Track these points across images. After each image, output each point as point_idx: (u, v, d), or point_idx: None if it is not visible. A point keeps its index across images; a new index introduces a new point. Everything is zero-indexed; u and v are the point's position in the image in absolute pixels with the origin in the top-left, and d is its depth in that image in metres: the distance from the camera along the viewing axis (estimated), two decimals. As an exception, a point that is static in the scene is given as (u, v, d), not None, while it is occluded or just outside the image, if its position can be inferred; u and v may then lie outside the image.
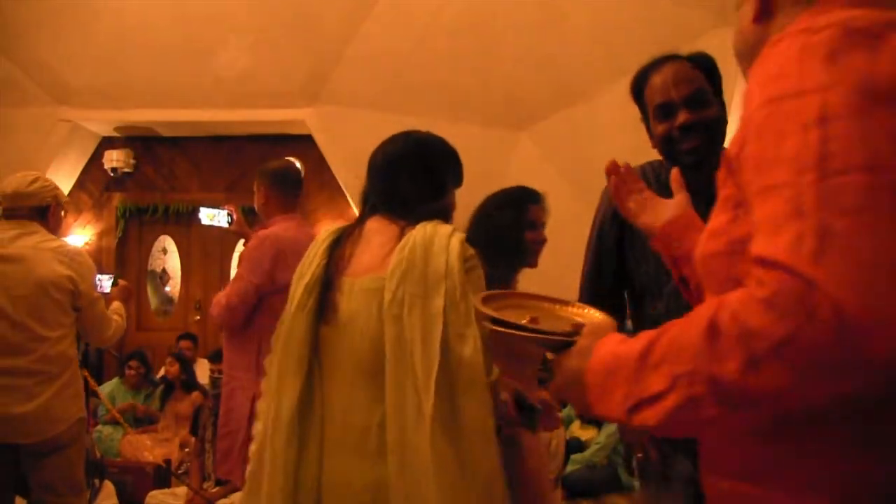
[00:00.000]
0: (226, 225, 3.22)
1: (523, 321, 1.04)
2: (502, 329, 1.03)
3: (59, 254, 2.71)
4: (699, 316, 0.74)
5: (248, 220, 3.39)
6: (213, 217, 3.23)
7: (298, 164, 7.13)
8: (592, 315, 1.15)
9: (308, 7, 5.70)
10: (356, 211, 7.26)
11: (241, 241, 3.17)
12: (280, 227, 2.89)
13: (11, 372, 2.56)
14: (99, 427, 4.94)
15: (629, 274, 1.86)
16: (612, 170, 1.38)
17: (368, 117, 6.44)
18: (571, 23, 5.18)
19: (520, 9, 5.45)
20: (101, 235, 7.25)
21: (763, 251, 0.71)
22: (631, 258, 1.84)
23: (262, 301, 2.81)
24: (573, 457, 3.85)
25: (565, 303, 1.21)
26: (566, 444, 3.89)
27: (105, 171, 7.26)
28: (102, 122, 6.89)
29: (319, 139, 6.66)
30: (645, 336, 0.79)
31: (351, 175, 6.71)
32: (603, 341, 0.85)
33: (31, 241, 2.69)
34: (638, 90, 1.78)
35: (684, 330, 0.75)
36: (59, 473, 2.67)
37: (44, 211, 2.76)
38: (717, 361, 0.70)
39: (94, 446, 3.74)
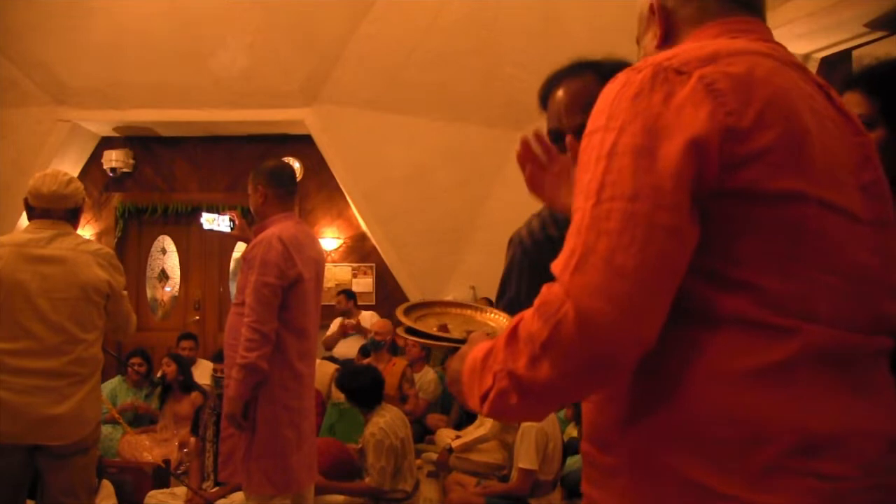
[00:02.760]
0: (227, 230, 3.22)
1: (434, 329, 1.22)
2: (411, 337, 1.23)
3: (98, 257, 2.72)
4: (511, 322, 0.87)
5: (249, 222, 3.38)
6: (214, 221, 3.23)
7: (294, 162, 7.15)
8: (501, 320, 1.30)
9: (307, 7, 5.70)
10: (355, 210, 7.25)
11: (239, 243, 3.16)
12: (279, 227, 2.89)
13: (47, 373, 2.56)
14: (98, 427, 4.93)
15: None
16: (524, 155, 1.30)
17: (367, 117, 6.45)
18: (570, 23, 5.18)
19: (519, 9, 5.45)
20: (100, 235, 7.25)
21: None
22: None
23: None
24: (571, 457, 3.86)
25: (484, 310, 1.37)
26: (564, 444, 3.91)
27: (104, 171, 7.26)
28: (101, 122, 6.89)
29: (318, 139, 6.66)
30: (493, 340, 0.92)
31: (350, 174, 6.72)
32: (476, 346, 0.95)
33: (68, 243, 2.68)
34: (544, 98, 1.65)
35: (502, 335, 0.88)
36: (79, 475, 2.67)
37: (76, 212, 2.77)
38: (513, 360, 0.84)
39: (93, 446, 3.74)
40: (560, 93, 1.49)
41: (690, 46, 0.90)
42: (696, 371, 0.82)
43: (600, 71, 1.45)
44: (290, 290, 2.81)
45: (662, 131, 0.82)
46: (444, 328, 1.24)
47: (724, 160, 0.81)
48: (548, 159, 1.30)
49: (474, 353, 0.93)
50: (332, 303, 6.62)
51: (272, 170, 3.05)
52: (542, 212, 1.59)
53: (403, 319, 1.26)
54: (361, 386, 3.93)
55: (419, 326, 1.24)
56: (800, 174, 0.83)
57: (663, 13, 1.02)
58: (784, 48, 0.96)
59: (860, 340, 0.86)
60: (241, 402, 2.74)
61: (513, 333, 0.86)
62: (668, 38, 1.02)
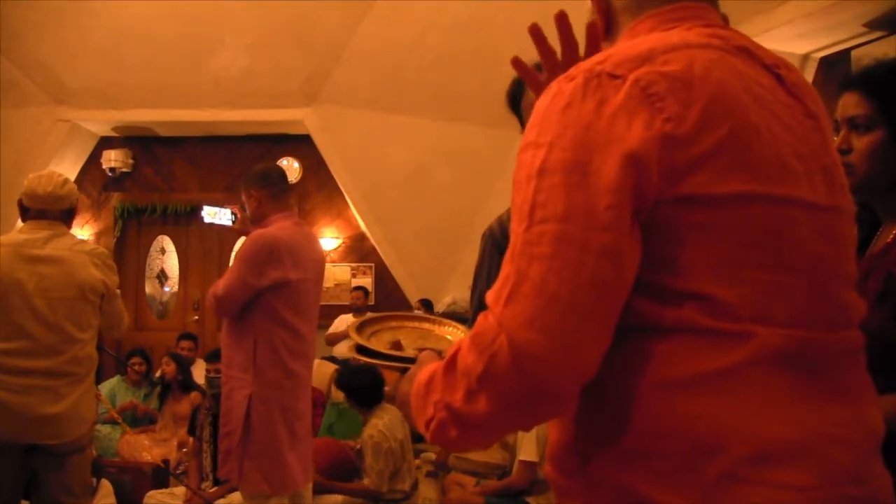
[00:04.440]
0: (229, 223, 3.22)
1: (386, 347, 1.15)
2: (361, 357, 1.14)
3: (94, 257, 2.75)
4: (451, 350, 0.84)
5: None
6: (215, 215, 3.23)
7: (293, 162, 7.15)
8: (458, 334, 1.25)
9: (306, 7, 5.70)
10: (354, 210, 7.25)
11: (241, 239, 3.16)
12: (276, 227, 2.89)
13: (44, 373, 2.57)
14: (97, 426, 4.93)
15: None
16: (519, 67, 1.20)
17: (367, 117, 6.45)
18: (570, 23, 5.18)
19: (519, 9, 5.45)
20: (99, 235, 7.25)
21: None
22: None
23: (258, 300, 2.80)
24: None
25: (442, 323, 1.29)
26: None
27: (103, 170, 7.26)
28: (101, 122, 6.89)
29: (318, 139, 6.66)
30: (436, 365, 0.87)
31: (349, 174, 6.73)
32: (424, 368, 0.91)
33: (64, 243, 2.70)
34: (514, 100, 1.64)
35: (442, 363, 0.84)
36: (76, 474, 2.69)
37: (71, 213, 2.80)
38: (450, 393, 0.81)
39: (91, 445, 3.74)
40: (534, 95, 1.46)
41: (624, 45, 0.84)
42: (643, 385, 0.78)
43: None
44: (277, 291, 2.81)
45: (595, 144, 0.76)
46: (397, 345, 1.16)
47: (664, 170, 0.76)
48: None
49: (420, 376, 0.89)
50: (346, 302, 6.73)
51: (260, 172, 3.05)
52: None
53: (355, 337, 1.17)
54: (362, 385, 3.93)
55: (371, 344, 1.15)
56: (748, 173, 0.78)
57: (602, 5, 0.96)
58: (727, 29, 0.90)
59: (823, 338, 0.81)
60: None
61: (451, 363, 0.82)
62: (609, 32, 0.96)
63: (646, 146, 0.75)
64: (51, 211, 2.71)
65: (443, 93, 6.19)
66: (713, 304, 0.77)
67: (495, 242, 1.75)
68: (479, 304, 1.37)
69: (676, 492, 0.75)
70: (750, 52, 0.87)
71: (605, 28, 0.97)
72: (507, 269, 0.78)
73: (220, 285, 2.84)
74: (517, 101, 1.61)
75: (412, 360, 1.04)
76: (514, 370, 0.74)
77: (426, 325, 1.29)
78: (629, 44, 0.84)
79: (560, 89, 0.81)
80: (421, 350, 1.06)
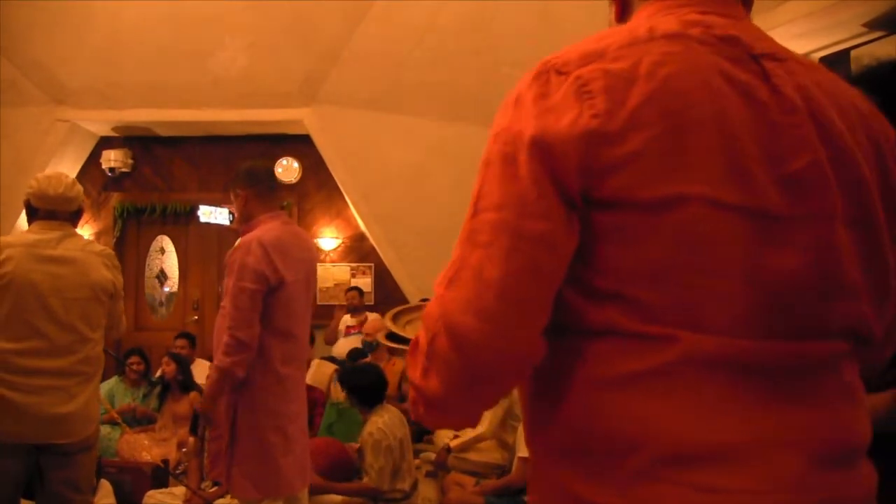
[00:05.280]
0: (227, 223, 3.19)
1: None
2: (391, 343, 1.20)
3: (103, 257, 2.79)
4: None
5: None
6: (210, 214, 3.21)
7: (293, 162, 7.15)
8: None
9: (306, 7, 5.70)
10: (354, 210, 7.24)
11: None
12: (262, 230, 2.82)
13: (56, 373, 2.60)
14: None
15: None
16: None
17: (366, 117, 6.45)
18: (568, 23, 5.18)
19: (518, 9, 5.45)
20: (98, 235, 7.24)
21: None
22: None
23: None
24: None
25: None
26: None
27: (103, 170, 7.26)
28: (100, 122, 6.89)
29: (317, 139, 6.66)
30: None
31: (349, 174, 6.72)
32: None
33: (75, 244, 2.73)
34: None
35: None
36: (83, 472, 2.72)
37: (79, 214, 2.82)
38: (413, 369, 0.85)
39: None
40: None
41: (589, 39, 0.84)
42: (574, 383, 0.80)
43: None
44: (272, 294, 2.75)
45: (530, 140, 0.78)
46: None
47: (585, 166, 0.76)
48: None
49: None
50: (342, 302, 6.74)
51: (246, 171, 2.98)
52: None
53: (390, 325, 1.23)
54: (365, 384, 3.92)
55: (407, 332, 1.19)
56: (681, 176, 0.76)
57: None
58: (725, 16, 0.87)
59: (774, 347, 0.78)
60: (212, 402, 2.76)
61: (415, 342, 0.85)
62: (624, 13, 0.97)
63: (565, 140, 0.76)
64: (60, 212, 2.73)
65: (443, 93, 6.19)
66: (637, 307, 0.77)
67: None
68: None
69: (599, 487, 0.77)
70: (737, 42, 0.84)
71: (619, 13, 0.98)
72: (453, 254, 0.82)
73: (228, 325, 2.70)
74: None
75: None
76: (453, 351, 0.78)
77: None
78: (595, 37, 0.84)
79: (523, 81, 0.83)
80: None
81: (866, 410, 0.85)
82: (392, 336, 1.21)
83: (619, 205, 0.77)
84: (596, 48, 0.81)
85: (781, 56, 0.85)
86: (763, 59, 0.83)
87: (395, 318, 1.26)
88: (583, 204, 0.78)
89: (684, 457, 0.75)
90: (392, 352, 5.62)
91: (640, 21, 0.87)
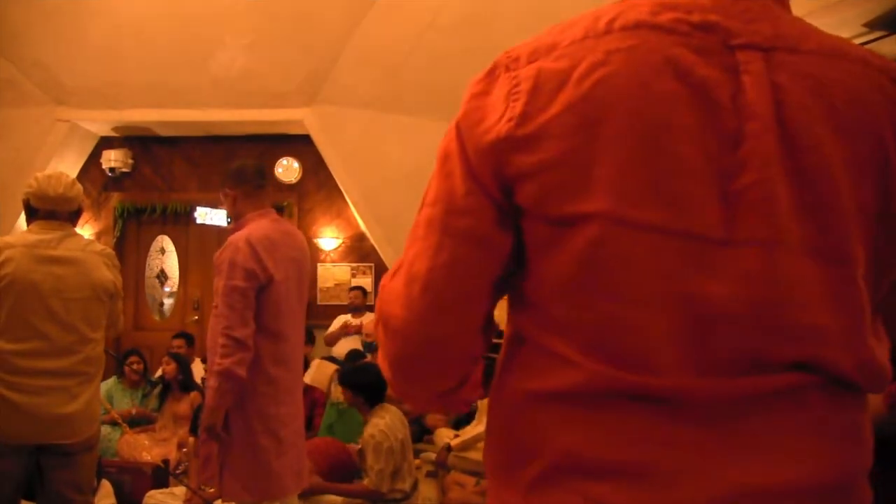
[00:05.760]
0: (224, 223, 3.18)
1: None
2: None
3: (104, 257, 2.79)
4: None
5: None
6: (206, 216, 3.20)
7: (293, 162, 7.14)
8: None
9: (306, 6, 5.70)
10: (354, 210, 7.22)
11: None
12: (250, 228, 2.78)
13: (58, 373, 2.60)
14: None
15: None
16: None
17: (366, 117, 6.45)
18: (570, 23, 5.18)
19: (518, 9, 5.45)
20: (98, 235, 7.24)
21: None
22: None
23: None
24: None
25: None
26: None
27: (103, 170, 7.25)
28: (100, 122, 6.89)
29: (317, 139, 6.66)
30: None
31: (349, 174, 6.72)
32: None
33: (76, 244, 2.73)
34: None
35: None
36: (85, 472, 2.72)
37: (78, 213, 2.83)
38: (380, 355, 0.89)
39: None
40: None
41: (549, 32, 0.80)
42: (506, 393, 0.82)
43: None
44: (261, 292, 2.70)
45: (469, 133, 0.78)
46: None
47: (499, 172, 0.74)
48: None
49: None
50: (346, 302, 6.74)
51: (234, 170, 2.95)
52: None
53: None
54: (369, 381, 3.91)
55: None
56: (588, 193, 0.70)
57: None
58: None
59: (700, 384, 0.70)
60: (219, 413, 2.65)
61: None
62: None
63: (479, 144, 0.76)
64: (60, 212, 2.73)
65: (443, 93, 6.17)
66: (549, 321, 0.76)
67: None
68: None
69: (509, 490, 0.80)
70: (715, 29, 0.74)
71: None
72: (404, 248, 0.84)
73: (222, 326, 2.64)
74: None
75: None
76: (387, 339, 0.83)
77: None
78: (563, 25, 0.80)
79: (480, 71, 0.82)
80: None
81: (856, 442, 0.76)
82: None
83: (531, 215, 0.75)
84: (549, 42, 0.77)
85: (769, 45, 0.74)
86: (740, 49, 0.73)
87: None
88: (509, 206, 0.76)
89: (580, 469, 0.73)
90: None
91: (617, 4, 0.79)
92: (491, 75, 0.79)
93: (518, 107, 0.73)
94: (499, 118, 0.75)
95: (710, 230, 0.69)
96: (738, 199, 0.70)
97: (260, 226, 2.80)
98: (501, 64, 0.79)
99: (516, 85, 0.75)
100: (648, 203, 0.69)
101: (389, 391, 1.00)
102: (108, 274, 2.76)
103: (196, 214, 3.49)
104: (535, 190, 0.73)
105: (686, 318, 0.70)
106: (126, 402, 5.35)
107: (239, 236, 2.76)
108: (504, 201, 0.76)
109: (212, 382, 2.66)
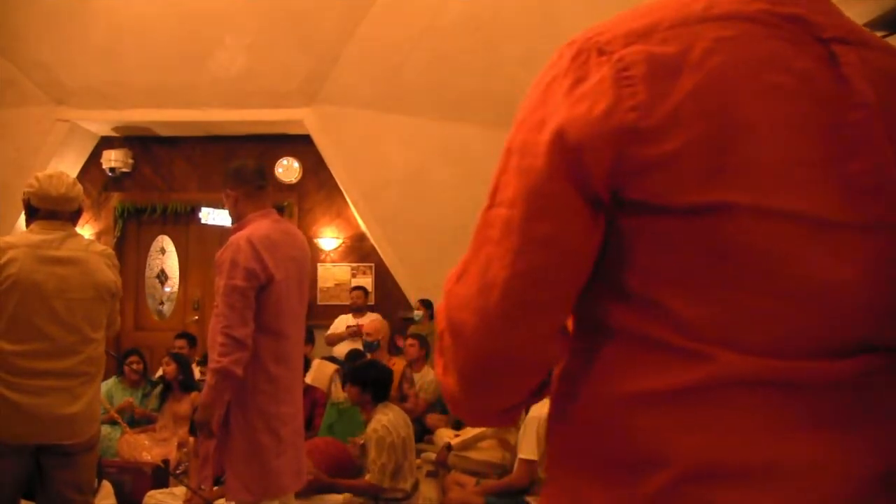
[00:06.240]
0: (228, 223, 3.18)
1: None
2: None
3: (105, 257, 2.80)
4: None
5: None
6: (208, 216, 3.20)
7: (293, 162, 7.14)
8: None
9: (306, 7, 5.70)
10: (354, 210, 7.23)
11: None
12: (251, 229, 2.79)
13: (60, 374, 2.60)
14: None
15: None
16: None
17: (367, 117, 6.45)
18: (570, 22, 5.18)
19: (518, 8, 5.45)
20: (99, 235, 7.24)
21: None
22: None
23: None
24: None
25: None
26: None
27: (103, 170, 7.26)
28: (100, 122, 6.89)
29: (317, 139, 6.66)
30: None
31: (349, 174, 6.72)
32: None
33: (78, 244, 2.73)
34: None
35: None
36: (86, 472, 2.73)
37: (79, 213, 2.83)
38: (437, 367, 0.85)
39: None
40: None
41: (636, 12, 0.74)
42: (600, 390, 0.76)
43: None
44: (261, 292, 2.71)
45: (552, 130, 0.71)
46: None
47: (618, 165, 0.69)
48: None
49: None
50: (346, 302, 6.74)
51: (234, 170, 2.95)
52: None
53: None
54: (375, 376, 3.92)
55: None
56: (723, 182, 0.68)
57: None
58: None
59: (821, 368, 0.71)
60: (212, 410, 2.65)
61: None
62: None
63: (595, 135, 0.69)
64: (61, 212, 2.73)
65: (442, 93, 6.19)
66: (671, 317, 0.71)
67: None
68: None
69: (616, 501, 0.73)
70: (803, 22, 0.74)
71: None
72: (469, 247, 0.79)
73: (221, 325, 2.65)
74: None
75: None
76: (454, 347, 0.78)
77: None
78: (643, 8, 0.75)
79: (553, 60, 0.75)
80: None
81: None
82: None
83: (651, 208, 0.70)
84: (644, 24, 0.72)
85: (854, 39, 0.75)
86: (833, 42, 0.74)
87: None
88: (611, 203, 0.71)
89: (710, 475, 0.70)
90: (392, 352, 5.62)
91: None
92: (579, 59, 0.72)
93: (640, 94, 0.68)
94: (612, 107, 0.69)
95: (839, 215, 0.70)
96: (856, 184, 0.71)
97: (261, 226, 2.81)
98: (591, 47, 0.72)
99: (624, 69, 0.69)
100: (781, 191, 0.69)
101: (451, 410, 0.90)
102: (109, 274, 2.77)
103: (200, 214, 3.49)
104: (659, 181, 0.69)
105: (812, 300, 0.70)
106: (126, 399, 5.34)
107: (240, 236, 2.77)
108: (603, 197, 0.71)
109: (208, 380, 2.67)
